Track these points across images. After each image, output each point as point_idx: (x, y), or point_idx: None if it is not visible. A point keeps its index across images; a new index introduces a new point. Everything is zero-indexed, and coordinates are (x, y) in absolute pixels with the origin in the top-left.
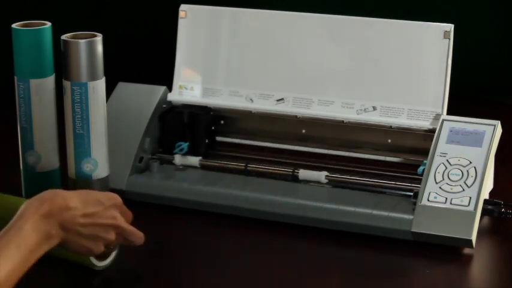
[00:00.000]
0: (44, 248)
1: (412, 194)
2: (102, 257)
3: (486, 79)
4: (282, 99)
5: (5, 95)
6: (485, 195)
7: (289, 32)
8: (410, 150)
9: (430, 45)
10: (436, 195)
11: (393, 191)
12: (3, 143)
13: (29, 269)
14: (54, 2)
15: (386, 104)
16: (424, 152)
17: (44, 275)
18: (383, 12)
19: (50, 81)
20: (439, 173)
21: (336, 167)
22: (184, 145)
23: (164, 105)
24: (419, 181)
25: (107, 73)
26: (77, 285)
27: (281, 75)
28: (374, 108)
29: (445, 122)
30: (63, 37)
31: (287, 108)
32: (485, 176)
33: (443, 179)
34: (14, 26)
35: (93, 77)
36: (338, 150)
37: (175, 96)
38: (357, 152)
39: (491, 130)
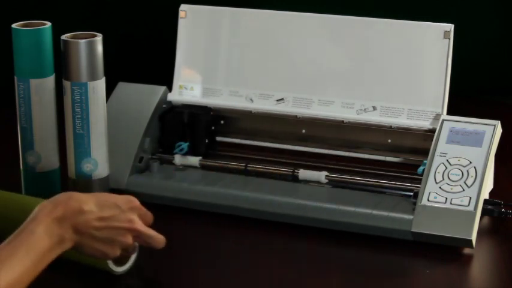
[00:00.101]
0: (56, 251)
1: (412, 194)
2: (121, 261)
3: (486, 79)
4: (282, 99)
5: (5, 95)
6: (485, 195)
7: (289, 32)
8: (410, 150)
9: (430, 45)
10: (436, 195)
11: (393, 191)
12: (3, 143)
13: (41, 274)
14: (54, 2)
15: (386, 104)
16: (424, 152)
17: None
18: (383, 12)
19: (50, 81)
20: (439, 173)
21: (336, 167)
22: (184, 145)
23: (164, 105)
24: (419, 181)
25: (107, 73)
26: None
27: (281, 75)
28: (374, 108)
29: (445, 122)
30: (63, 37)
31: (287, 108)
32: (485, 176)
33: (443, 179)
34: (14, 26)
35: (93, 77)
36: (338, 150)
37: (175, 96)
38: (357, 152)
39: (491, 130)
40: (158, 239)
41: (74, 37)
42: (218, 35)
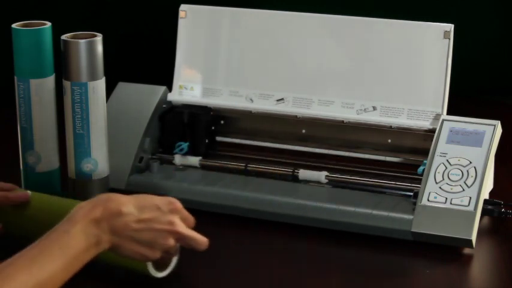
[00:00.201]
0: (91, 252)
1: (412, 194)
2: (162, 264)
3: (486, 79)
4: (282, 99)
5: (5, 95)
6: (485, 195)
7: (289, 32)
8: (410, 150)
9: (430, 45)
10: (436, 195)
11: (393, 191)
12: (3, 143)
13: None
14: (54, 2)
15: (386, 104)
16: (424, 152)
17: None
18: (383, 12)
19: (50, 81)
20: (439, 173)
21: (336, 167)
22: (184, 145)
23: (164, 105)
24: (419, 181)
25: (107, 73)
26: None
27: (281, 75)
28: (374, 108)
29: (445, 122)
30: (63, 37)
31: (287, 108)
32: (485, 176)
33: (443, 179)
34: (14, 26)
35: (93, 77)
36: (338, 150)
37: (175, 96)
38: (357, 152)
39: (491, 130)
40: (201, 240)
41: (74, 37)
42: (218, 35)
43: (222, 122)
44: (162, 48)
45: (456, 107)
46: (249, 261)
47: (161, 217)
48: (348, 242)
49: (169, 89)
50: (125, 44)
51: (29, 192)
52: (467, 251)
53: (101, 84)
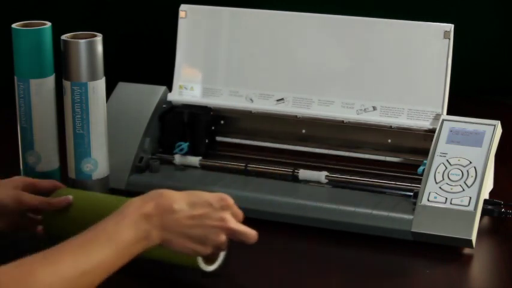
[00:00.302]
0: (139, 246)
1: (412, 194)
2: (210, 258)
3: (486, 79)
4: (282, 99)
5: (5, 95)
6: (485, 195)
7: (289, 32)
8: (410, 150)
9: (430, 45)
10: (436, 195)
11: (393, 191)
12: (3, 143)
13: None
14: (54, 2)
15: (386, 104)
16: (424, 152)
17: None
18: (383, 12)
19: (50, 81)
20: (439, 173)
21: (336, 167)
22: (184, 145)
23: (164, 105)
24: (419, 181)
25: (107, 73)
26: None
27: (281, 75)
28: (374, 108)
29: (445, 122)
30: (63, 37)
31: (287, 108)
32: (485, 176)
33: (443, 179)
34: (14, 26)
35: (93, 77)
36: (338, 150)
37: (175, 96)
38: (357, 152)
39: (491, 130)
40: (251, 234)
41: (74, 37)
42: (218, 35)
43: (222, 122)
44: (162, 48)
45: (456, 107)
46: (249, 261)
47: (213, 213)
48: (348, 242)
49: (169, 89)
50: (125, 44)
51: (70, 197)
52: (467, 251)
53: (101, 84)
